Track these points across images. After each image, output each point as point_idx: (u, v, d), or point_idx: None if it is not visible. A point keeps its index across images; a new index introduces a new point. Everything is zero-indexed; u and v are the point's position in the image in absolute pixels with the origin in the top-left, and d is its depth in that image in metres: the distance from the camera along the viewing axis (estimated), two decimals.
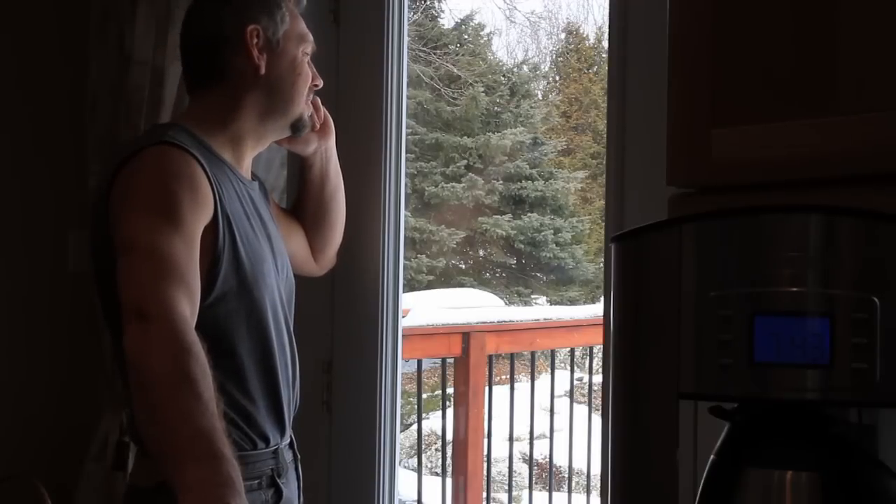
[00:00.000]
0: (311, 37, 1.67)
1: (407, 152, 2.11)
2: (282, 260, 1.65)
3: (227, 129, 1.61)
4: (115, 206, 1.47)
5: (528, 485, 4.44)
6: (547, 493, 4.78)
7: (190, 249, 1.43)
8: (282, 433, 1.62)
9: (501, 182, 9.32)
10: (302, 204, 1.83)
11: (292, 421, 1.66)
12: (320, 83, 1.70)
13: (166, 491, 1.40)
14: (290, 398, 1.64)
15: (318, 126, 1.76)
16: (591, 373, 4.92)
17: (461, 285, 9.00)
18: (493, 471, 5.14)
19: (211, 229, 1.48)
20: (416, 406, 4.53)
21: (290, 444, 1.66)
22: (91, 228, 1.58)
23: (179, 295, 1.37)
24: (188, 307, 1.38)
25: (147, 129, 1.85)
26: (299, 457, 1.69)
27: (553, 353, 4.63)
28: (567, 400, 4.70)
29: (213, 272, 1.49)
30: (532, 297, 9.44)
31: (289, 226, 1.79)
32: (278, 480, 1.59)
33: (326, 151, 1.79)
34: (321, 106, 1.77)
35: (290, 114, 1.65)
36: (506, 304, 8.58)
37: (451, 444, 4.27)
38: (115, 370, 1.91)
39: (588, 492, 5.08)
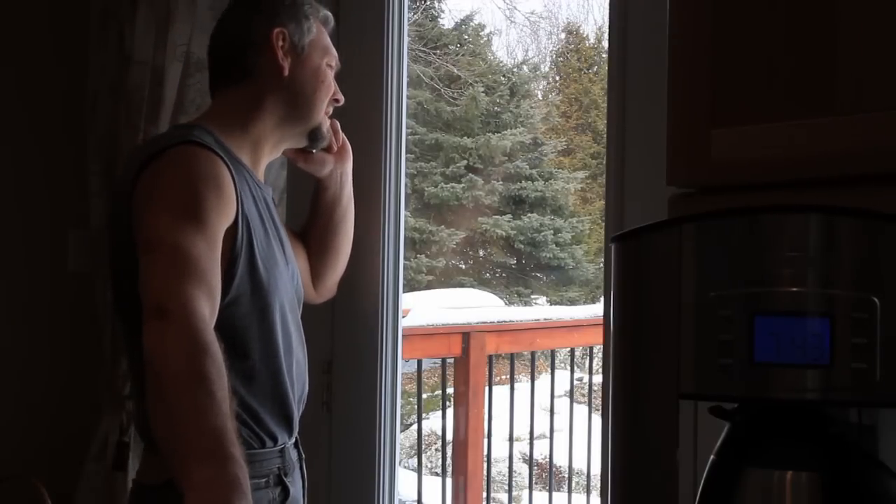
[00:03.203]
0: (336, 53, 1.71)
1: (407, 152, 2.11)
2: (292, 265, 1.67)
3: (247, 131, 1.62)
4: (140, 204, 1.48)
5: (528, 485, 4.44)
6: (547, 493, 4.78)
7: (212, 250, 1.44)
8: (289, 433, 1.62)
9: (501, 182, 9.32)
10: (310, 226, 1.83)
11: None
12: (341, 99, 1.72)
13: (174, 488, 1.42)
14: (298, 399, 1.64)
15: (335, 148, 1.77)
16: (591, 373, 4.92)
17: (461, 285, 9.00)
18: (493, 471, 5.15)
19: (230, 231, 1.49)
20: (416, 406, 4.53)
21: (296, 444, 1.67)
22: (110, 225, 1.59)
23: (200, 294, 1.38)
24: (208, 307, 1.39)
25: (169, 129, 1.85)
26: (304, 456, 1.70)
27: (553, 353, 4.63)
28: (567, 400, 4.70)
29: (230, 273, 1.49)
30: (532, 297, 9.44)
31: (293, 248, 1.79)
32: (285, 479, 1.60)
33: (342, 176, 1.80)
34: (340, 130, 1.79)
35: (309, 121, 1.67)
36: (506, 304, 8.58)
37: (451, 444, 4.27)
38: (128, 368, 1.89)
39: (588, 492, 5.08)
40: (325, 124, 1.71)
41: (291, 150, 1.75)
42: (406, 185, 2.14)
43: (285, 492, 1.60)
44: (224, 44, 1.66)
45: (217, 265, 1.44)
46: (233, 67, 1.63)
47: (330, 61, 1.69)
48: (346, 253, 1.86)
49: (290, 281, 1.64)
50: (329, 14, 1.73)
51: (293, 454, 1.65)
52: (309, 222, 1.83)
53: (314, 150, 1.75)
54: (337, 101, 1.72)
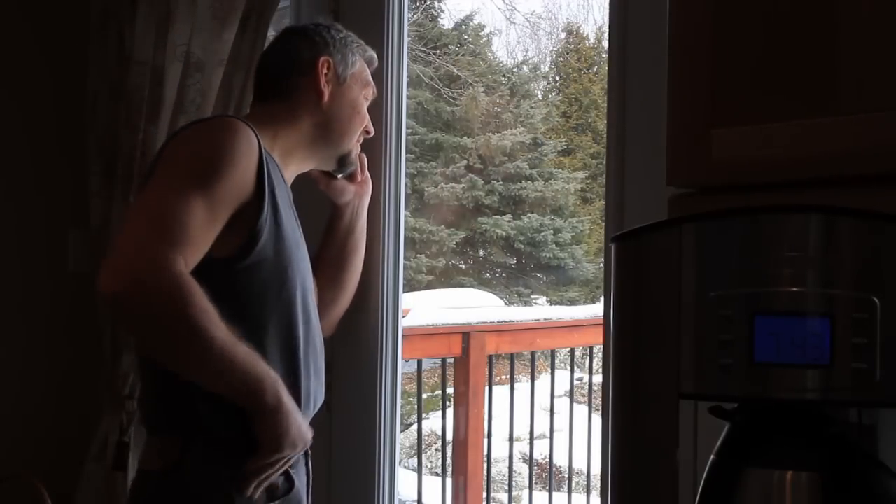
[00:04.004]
0: (374, 88, 1.81)
1: (407, 152, 2.11)
2: (307, 262, 1.68)
3: (278, 140, 1.67)
4: (160, 162, 1.53)
5: (528, 485, 4.44)
6: (547, 493, 4.78)
7: (213, 216, 1.47)
8: None
9: (501, 182, 9.32)
10: (322, 254, 1.85)
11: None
12: (372, 131, 1.81)
13: (175, 474, 1.48)
14: (312, 391, 1.64)
15: (359, 178, 1.84)
16: (591, 373, 4.92)
17: (461, 285, 9.00)
18: (493, 471, 5.14)
19: (255, 203, 1.52)
20: (416, 406, 4.53)
21: None
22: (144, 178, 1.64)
23: (173, 249, 1.41)
24: (182, 261, 1.42)
25: None
26: (310, 453, 1.70)
27: (553, 353, 4.63)
28: (567, 400, 4.70)
29: (254, 237, 1.52)
30: (532, 297, 9.44)
31: None
32: (290, 470, 1.60)
33: (359, 207, 1.87)
34: (366, 165, 1.87)
35: (340, 147, 1.76)
36: (506, 304, 8.58)
37: (451, 444, 4.27)
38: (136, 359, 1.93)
39: (588, 492, 5.08)
40: (355, 152, 1.79)
41: (317, 171, 1.81)
42: (406, 185, 2.14)
43: (289, 481, 1.60)
44: (272, 62, 1.75)
45: (213, 231, 1.48)
46: (276, 83, 1.72)
47: (367, 94, 1.78)
48: (352, 287, 1.89)
49: (307, 268, 1.67)
50: (374, 55, 1.82)
51: None
52: (319, 251, 1.85)
53: (338, 177, 1.81)
54: (368, 132, 1.80)
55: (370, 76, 1.80)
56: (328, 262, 1.85)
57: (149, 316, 1.41)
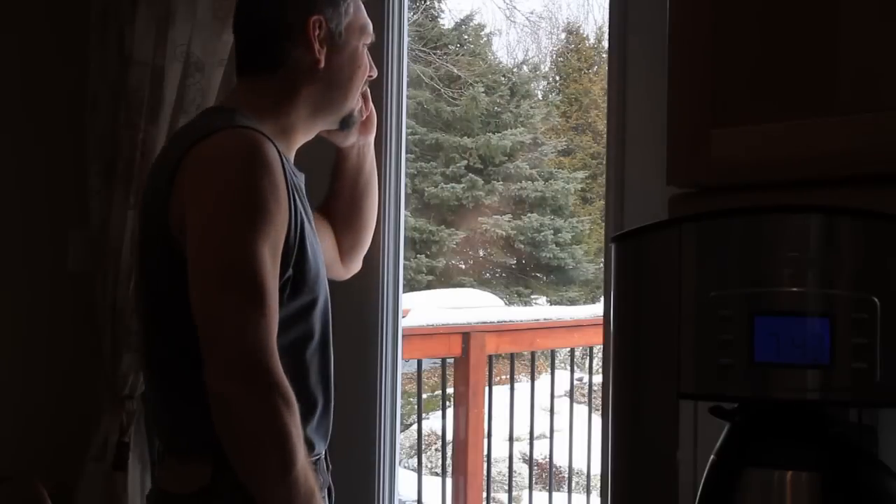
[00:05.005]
0: (371, 27, 1.59)
1: (407, 152, 2.10)
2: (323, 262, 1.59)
3: (279, 119, 1.50)
4: (190, 194, 1.36)
5: (528, 485, 4.44)
6: (547, 493, 4.78)
7: (277, 256, 1.36)
8: (325, 436, 1.57)
9: (501, 182, 9.32)
10: (334, 199, 1.73)
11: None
12: (375, 73, 1.62)
13: (206, 497, 1.39)
14: (332, 399, 1.59)
15: (363, 117, 1.66)
16: (591, 373, 4.91)
17: (461, 285, 9.00)
18: (493, 471, 5.15)
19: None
20: (416, 406, 4.53)
21: (325, 455, 1.62)
22: (143, 216, 1.49)
23: (274, 336, 1.34)
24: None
25: (204, 113, 1.67)
26: (331, 467, 1.64)
27: (553, 353, 4.62)
28: (567, 400, 4.70)
29: (285, 264, 1.40)
30: (532, 297, 9.45)
31: (318, 225, 1.64)
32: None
33: (364, 146, 1.71)
34: (370, 99, 1.69)
35: (344, 108, 1.57)
36: (506, 304, 8.58)
37: (451, 444, 4.27)
38: (145, 370, 1.70)
39: (588, 492, 5.08)
40: (358, 106, 1.61)
41: None
42: (406, 185, 2.14)
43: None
44: (255, 26, 1.52)
45: (278, 273, 1.37)
46: (263, 55, 1.51)
47: (366, 40, 1.57)
48: (372, 224, 1.77)
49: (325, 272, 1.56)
50: None
51: (322, 465, 1.59)
52: (331, 195, 1.73)
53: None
54: (371, 76, 1.61)
55: (365, 16, 1.57)
56: (343, 206, 1.72)
57: (251, 423, 1.32)
